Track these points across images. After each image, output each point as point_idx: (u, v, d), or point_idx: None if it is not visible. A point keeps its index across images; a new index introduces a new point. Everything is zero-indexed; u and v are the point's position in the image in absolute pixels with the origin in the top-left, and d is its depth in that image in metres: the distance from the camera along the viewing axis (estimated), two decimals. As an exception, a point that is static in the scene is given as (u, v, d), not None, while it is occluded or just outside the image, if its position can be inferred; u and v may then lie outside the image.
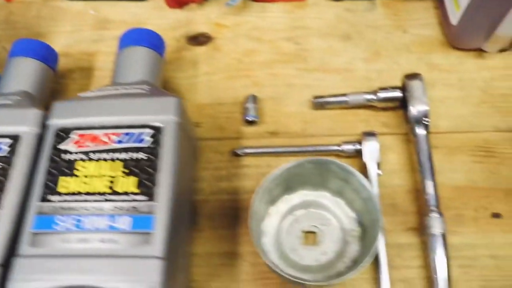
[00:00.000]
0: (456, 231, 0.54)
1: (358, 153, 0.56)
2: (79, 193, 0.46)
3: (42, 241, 0.44)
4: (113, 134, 0.48)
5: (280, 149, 0.57)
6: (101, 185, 0.46)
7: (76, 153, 0.48)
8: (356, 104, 0.59)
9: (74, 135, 0.48)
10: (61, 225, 0.44)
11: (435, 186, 0.53)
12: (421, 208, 0.53)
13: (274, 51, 0.67)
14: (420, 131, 0.55)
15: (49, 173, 0.47)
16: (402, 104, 0.58)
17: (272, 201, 0.53)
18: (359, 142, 0.56)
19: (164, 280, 0.42)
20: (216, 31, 0.69)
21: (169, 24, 0.70)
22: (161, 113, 0.49)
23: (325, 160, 0.48)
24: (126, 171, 0.47)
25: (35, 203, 0.46)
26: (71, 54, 0.67)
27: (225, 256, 0.54)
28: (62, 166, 0.47)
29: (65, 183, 0.46)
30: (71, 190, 0.46)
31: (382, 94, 0.58)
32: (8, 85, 0.56)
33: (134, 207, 0.45)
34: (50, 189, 0.46)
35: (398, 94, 0.57)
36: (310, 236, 0.54)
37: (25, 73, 0.58)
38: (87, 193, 0.46)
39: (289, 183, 0.51)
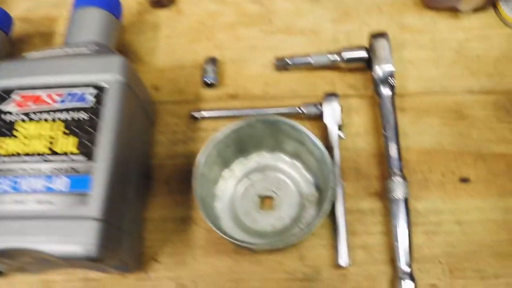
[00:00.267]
0: (421, 196, 0.52)
1: (320, 115, 0.53)
2: (18, 154, 0.44)
3: (-23, 202, 0.42)
4: (56, 94, 0.47)
5: (238, 112, 0.55)
6: (41, 146, 0.44)
7: (17, 114, 0.46)
8: (320, 65, 0.56)
9: (16, 96, 0.47)
10: (-3, 186, 0.42)
11: (398, 148, 0.51)
12: (385, 173, 0.51)
13: (238, 13, 0.64)
14: (385, 91, 0.52)
15: (-13, 134, 0.45)
16: (368, 64, 0.55)
17: (226, 164, 0.50)
18: (321, 104, 0.53)
19: (102, 243, 0.40)
20: (180, -7, 0.66)
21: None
22: (105, 73, 0.47)
23: (275, 119, 0.45)
24: (67, 131, 0.45)
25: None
26: (31, 19, 0.65)
27: (179, 221, 0.52)
28: (2, 127, 0.45)
29: (4, 145, 0.45)
30: (10, 151, 0.44)
31: (347, 55, 0.55)
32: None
33: (72, 168, 0.43)
34: (-12, 151, 0.44)
35: (363, 54, 0.55)
36: (266, 201, 0.51)
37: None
38: (26, 154, 0.44)
39: (242, 145, 0.49)
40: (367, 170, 0.53)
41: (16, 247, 0.40)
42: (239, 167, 0.51)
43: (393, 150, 0.50)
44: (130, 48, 0.61)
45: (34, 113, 0.46)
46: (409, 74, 0.58)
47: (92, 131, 0.44)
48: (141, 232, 0.51)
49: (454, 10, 0.60)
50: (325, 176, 0.45)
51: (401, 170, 0.50)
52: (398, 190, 0.48)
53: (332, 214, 0.50)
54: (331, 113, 0.52)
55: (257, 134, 0.48)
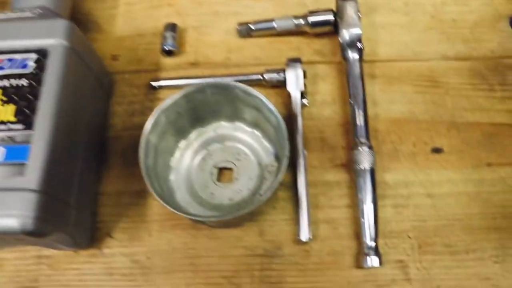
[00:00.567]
0: (390, 167, 0.49)
1: (284, 83, 0.50)
2: (-49, 122, 0.41)
3: None
4: (-5, 60, 0.43)
5: (197, 80, 0.51)
6: (-24, 115, 0.41)
7: (-47, 83, 0.43)
8: (285, 30, 0.53)
9: (-47, 63, 0.43)
10: None
11: (365, 116, 0.48)
12: (352, 143, 0.47)
13: (202, -23, 0.60)
14: (352, 56, 0.49)
15: None
16: (336, 29, 0.51)
17: (182, 134, 0.47)
18: (284, 70, 0.49)
19: (39, 215, 0.37)
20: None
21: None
22: (48, 37, 0.44)
23: (226, 83, 0.42)
24: (5, 99, 0.42)
25: None
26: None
27: (135, 195, 0.49)
28: None
29: None
30: None
31: (313, 18, 0.52)
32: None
33: (9, 137, 0.40)
34: None
35: (329, 17, 0.51)
36: (224, 173, 0.49)
37: None
38: (-39, 125, 0.41)
39: (197, 114, 0.46)
40: (333, 140, 0.50)
41: None
42: (196, 137, 0.49)
43: (359, 118, 0.48)
44: (89, 17, 0.58)
45: (-28, 81, 0.42)
46: (380, 40, 0.54)
47: (32, 98, 0.41)
48: (94, 206, 0.48)
49: (430, -28, 0.56)
50: (282, 145, 0.41)
51: (368, 139, 0.47)
52: (364, 160, 0.46)
53: (294, 187, 0.46)
54: (294, 79, 0.49)
55: (212, 102, 0.45)
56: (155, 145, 0.43)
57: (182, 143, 0.48)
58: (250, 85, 0.44)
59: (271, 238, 0.46)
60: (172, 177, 0.46)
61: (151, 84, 0.52)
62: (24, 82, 0.42)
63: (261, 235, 0.46)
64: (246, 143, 0.48)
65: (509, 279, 0.44)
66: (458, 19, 0.55)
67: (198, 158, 0.48)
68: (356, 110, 0.48)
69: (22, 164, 0.39)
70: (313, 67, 0.52)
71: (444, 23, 0.55)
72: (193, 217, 0.40)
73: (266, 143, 0.47)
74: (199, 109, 0.45)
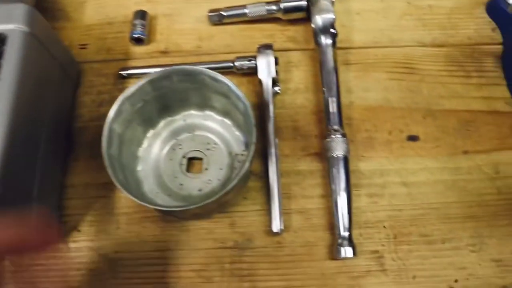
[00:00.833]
0: (365, 156, 0.47)
1: (255, 70, 0.48)
2: None
3: None
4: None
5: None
6: None
7: None
8: (257, 16, 0.52)
9: None
10: None
11: (339, 103, 0.46)
12: (325, 131, 0.46)
13: (173, -37, 0.59)
14: (325, 42, 0.48)
15: None
16: (309, 15, 0.50)
17: (150, 123, 0.46)
18: (255, 57, 0.48)
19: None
20: None
21: None
22: (6, 22, 0.42)
23: (192, 69, 0.41)
24: (-42, 86, 0.39)
25: None
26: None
27: (102, 187, 0.47)
28: None
29: None
30: None
31: (285, 4, 0.51)
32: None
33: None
34: None
35: (302, 2, 0.50)
36: (194, 163, 0.47)
37: None
38: None
39: (165, 102, 0.44)
40: (306, 129, 0.48)
41: None
42: (165, 126, 0.47)
43: (332, 105, 0.46)
44: (57, 5, 0.56)
45: None
46: (355, 26, 0.53)
47: (-14, 85, 0.39)
48: (59, 199, 0.46)
49: (406, -43, 0.55)
50: (250, 131, 0.40)
51: (341, 127, 0.45)
52: (337, 148, 0.44)
53: (266, 176, 0.45)
54: (265, 66, 0.47)
55: (179, 89, 0.43)
56: (120, 134, 0.41)
57: (150, 133, 0.46)
58: (221, 73, 0.42)
59: (242, 230, 0.45)
60: (140, 167, 0.45)
61: (120, 73, 0.50)
62: (-22, 67, 0.40)
63: (232, 226, 0.45)
64: (216, 132, 0.46)
65: (486, 268, 0.43)
66: (434, 5, 0.54)
67: (166, 148, 0.46)
68: (329, 97, 0.46)
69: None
70: (286, 55, 0.51)
71: (420, 9, 0.54)
72: (157, 208, 0.38)
73: (236, 132, 0.46)
74: (166, 97, 0.44)
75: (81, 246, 0.45)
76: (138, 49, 0.52)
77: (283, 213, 0.44)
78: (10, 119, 0.38)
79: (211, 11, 0.52)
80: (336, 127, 0.45)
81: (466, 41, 0.52)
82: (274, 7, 0.50)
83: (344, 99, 0.48)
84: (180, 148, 0.46)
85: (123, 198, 0.46)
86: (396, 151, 0.47)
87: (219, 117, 0.46)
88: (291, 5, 0.50)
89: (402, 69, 0.50)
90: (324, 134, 0.46)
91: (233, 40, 0.52)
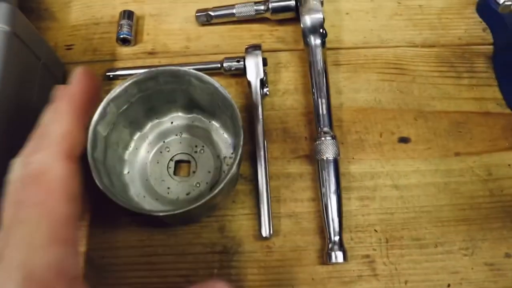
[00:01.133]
0: (356, 158, 0.46)
1: (244, 71, 0.47)
2: None
3: None
4: None
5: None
6: None
7: None
8: (245, 17, 0.51)
9: None
10: None
11: (328, 105, 0.45)
12: (315, 133, 0.45)
13: (160, -38, 0.57)
14: (314, 42, 0.47)
15: None
16: (298, 15, 0.49)
17: (137, 126, 0.45)
18: (244, 58, 0.47)
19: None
20: None
21: None
22: (-15, 22, 0.40)
23: (177, 69, 0.40)
24: None
25: None
26: None
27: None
28: None
29: None
30: None
31: (273, 4, 0.50)
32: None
33: None
34: None
35: (291, 2, 0.49)
36: (182, 167, 0.46)
37: None
38: None
39: (151, 103, 0.43)
40: (295, 131, 0.47)
41: None
42: (152, 129, 0.46)
43: (322, 107, 0.45)
44: (42, 5, 0.55)
45: None
46: (345, 26, 0.52)
47: (-32, 88, 0.38)
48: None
49: (396, -43, 0.55)
50: (237, 133, 0.39)
51: (331, 129, 0.44)
52: (327, 150, 0.43)
53: (255, 180, 0.44)
54: (254, 67, 0.46)
55: (166, 91, 0.42)
56: (105, 137, 0.40)
57: (137, 135, 0.45)
58: (208, 74, 0.41)
59: (231, 234, 0.44)
60: (126, 171, 0.43)
61: (107, 75, 0.49)
62: (-40, 70, 0.39)
63: (220, 231, 0.44)
64: (204, 135, 0.45)
65: (479, 272, 0.42)
66: (425, 5, 0.53)
67: (154, 151, 0.45)
68: (319, 99, 0.45)
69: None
70: (275, 55, 0.50)
71: (410, 9, 0.53)
72: (144, 212, 0.37)
73: (224, 134, 0.45)
74: (153, 99, 0.42)
75: (65, 252, 0.43)
76: (124, 50, 0.51)
77: (273, 217, 0.43)
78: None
79: (199, 11, 0.51)
80: (326, 129, 0.44)
81: (457, 41, 0.51)
82: (262, 7, 0.49)
83: (334, 101, 0.47)
84: (167, 151, 0.45)
85: (109, 202, 0.45)
86: (387, 153, 0.46)
87: (207, 119, 0.45)
88: (279, 5, 0.49)
89: (393, 69, 0.50)
90: (314, 136, 0.45)
91: (221, 40, 0.51)
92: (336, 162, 0.43)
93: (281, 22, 0.52)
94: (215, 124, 0.45)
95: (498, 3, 0.48)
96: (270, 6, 0.49)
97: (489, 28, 0.52)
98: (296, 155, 0.46)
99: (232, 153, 0.44)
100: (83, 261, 0.43)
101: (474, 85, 0.49)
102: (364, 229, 0.44)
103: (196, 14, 0.51)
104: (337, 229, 0.42)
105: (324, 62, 0.47)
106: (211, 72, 0.48)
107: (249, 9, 0.50)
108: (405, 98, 0.49)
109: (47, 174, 0.27)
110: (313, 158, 0.45)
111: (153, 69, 0.40)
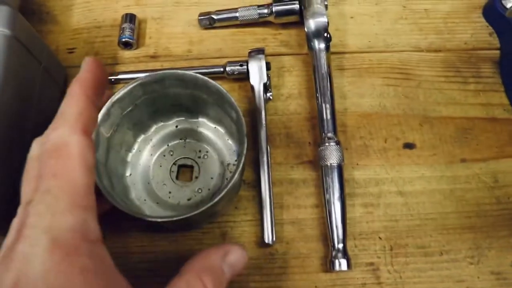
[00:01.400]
0: (360, 164, 0.46)
1: (247, 75, 0.47)
2: None
3: None
4: None
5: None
6: None
7: None
8: (249, 20, 0.50)
9: None
10: None
11: (333, 110, 0.45)
12: (319, 138, 0.44)
13: (162, -35, 0.57)
14: (318, 46, 0.46)
15: None
16: (302, 19, 0.48)
17: (141, 128, 0.44)
18: (247, 62, 0.46)
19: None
20: None
21: None
22: (-14, 25, 0.40)
23: (183, 73, 0.39)
24: None
25: None
26: None
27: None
28: None
29: None
30: None
31: (277, 7, 0.49)
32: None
33: None
34: None
35: (294, 6, 0.48)
36: (184, 171, 0.45)
37: None
38: None
39: (156, 106, 0.43)
40: (299, 136, 0.47)
41: None
42: (156, 132, 0.45)
43: (326, 112, 0.45)
44: (43, 7, 0.54)
45: None
46: (349, 30, 0.52)
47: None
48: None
49: (401, -40, 0.54)
50: (241, 140, 0.38)
51: (335, 134, 0.44)
52: (331, 156, 0.43)
53: (258, 185, 0.43)
54: (257, 71, 0.46)
55: (171, 94, 0.42)
56: (108, 138, 0.39)
57: (141, 137, 0.45)
58: (211, 78, 0.40)
59: (233, 241, 0.43)
60: (129, 173, 0.43)
61: (108, 78, 0.48)
62: (-40, 74, 0.38)
63: (222, 237, 0.43)
64: (209, 140, 0.45)
65: (485, 281, 0.41)
66: (430, 9, 0.53)
67: (157, 154, 0.45)
68: (323, 103, 0.45)
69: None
70: (278, 59, 0.50)
71: (416, 13, 0.52)
72: (144, 217, 0.36)
73: (229, 141, 0.44)
74: (158, 102, 0.42)
75: (65, 258, 0.43)
76: (127, 53, 0.51)
77: (276, 223, 0.42)
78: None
79: (201, 14, 0.50)
80: (330, 134, 0.44)
81: (463, 46, 0.51)
82: (265, 11, 0.49)
83: (338, 105, 0.46)
84: (171, 155, 0.44)
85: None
86: (392, 159, 0.46)
87: (212, 125, 0.45)
88: (283, 8, 0.48)
89: (398, 74, 0.49)
90: (318, 141, 0.45)
91: (224, 44, 0.51)
92: (340, 168, 0.43)
93: (284, 25, 0.51)
94: (220, 129, 0.44)
95: (505, 8, 0.47)
96: (273, 9, 0.49)
97: (496, 32, 0.51)
98: (300, 160, 0.46)
99: (236, 160, 0.43)
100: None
101: (480, 90, 0.49)
102: (368, 236, 0.43)
103: (199, 18, 0.51)
104: (341, 236, 0.41)
105: (329, 67, 0.46)
106: (214, 76, 0.47)
107: (252, 13, 0.49)
108: (410, 103, 0.48)
109: (65, 147, 0.29)
110: (317, 163, 0.44)
111: (159, 72, 0.39)
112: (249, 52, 0.46)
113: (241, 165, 0.36)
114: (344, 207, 0.42)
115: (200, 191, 0.43)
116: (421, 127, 0.47)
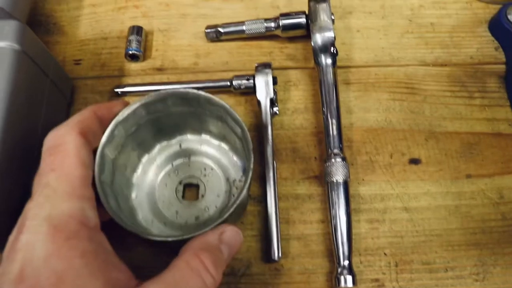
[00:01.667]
0: (366, 180, 0.46)
1: (254, 90, 0.47)
2: None
3: None
4: None
5: (163, 87, 0.48)
6: None
7: None
8: (255, 33, 0.50)
9: None
10: None
11: (339, 125, 0.45)
12: (325, 153, 0.45)
13: (169, -23, 0.57)
14: (325, 61, 0.46)
15: None
16: (309, 33, 0.48)
17: (145, 148, 0.44)
18: (254, 76, 0.47)
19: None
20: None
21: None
22: (-4, 39, 0.40)
23: (186, 92, 0.39)
24: None
25: None
26: None
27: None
28: None
29: None
30: None
31: (284, 21, 0.49)
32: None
33: None
34: None
35: (301, 20, 0.48)
36: (190, 190, 0.45)
37: None
38: None
39: (160, 125, 0.43)
40: (305, 151, 0.47)
41: None
42: (160, 151, 0.45)
43: (332, 128, 0.45)
44: (50, 18, 0.54)
45: None
46: (356, 44, 0.52)
47: (-24, 106, 0.37)
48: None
49: (407, -26, 0.54)
50: (247, 156, 0.38)
51: (341, 150, 0.44)
52: (337, 172, 0.43)
53: (264, 200, 0.43)
54: (264, 86, 0.46)
55: (175, 113, 0.41)
56: (113, 160, 0.39)
57: (145, 158, 0.44)
58: (218, 92, 0.41)
59: (239, 256, 0.43)
60: (134, 195, 0.43)
61: (115, 91, 0.49)
62: (-33, 87, 0.38)
63: (228, 252, 0.43)
64: (213, 158, 0.45)
65: (490, 299, 0.41)
66: (436, 23, 0.53)
67: (162, 174, 0.45)
68: (329, 119, 0.45)
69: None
70: (285, 73, 0.50)
71: (422, 27, 0.52)
72: (150, 238, 0.36)
73: (234, 157, 0.44)
74: (161, 121, 0.42)
75: (71, 271, 0.43)
76: (133, 66, 0.51)
77: (281, 239, 0.42)
78: (1, 138, 0.37)
79: (208, 27, 0.50)
80: (336, 150, 0.44)
81: (469, 60, 0.51)
82: (272, 24, 0.49)
83: (344, 120, 0.46)
84: (176, 174, 0.44)
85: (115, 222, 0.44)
86: (397, 175, 0.46)
87: (216, 142, 0.45)
88: (290, 22, 0.48)
89: (404, 89, 0.49)
90: (324, 156, 0.45)
91: (230, 57, 0.51)
92: (346, 184, 0.43)
93: (291, 39, 0.51)
94: (224, 146, 0.44)
95: (511, 22, 0.47)
96: (280, 23, 0.49)
97: (502, 47, 0.51)
98: (306, 175, 0.46)
99: (242, 176, 0.43)
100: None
101: (486, 105, 0.49)
102: (373, 252, 0.43)
103: (206, 30, 0.51)
104: (346, 253, 0.41)
105: (335, 82, 0.46)
106: (220, 90, 0.47)
107: (259, 26, 0.49)
108: (416, 118, 0.48)
109: (61, 145, 0.32)
110: (323, 178, 0.44)
111: (162, 91, 0.39)
112: (256, 67, 0.46)
113: (248, 181, 0.36)
114: (349, 224, 0.42)
115: (207, 209, 0.43)
116: (427, 142, 0.47)
